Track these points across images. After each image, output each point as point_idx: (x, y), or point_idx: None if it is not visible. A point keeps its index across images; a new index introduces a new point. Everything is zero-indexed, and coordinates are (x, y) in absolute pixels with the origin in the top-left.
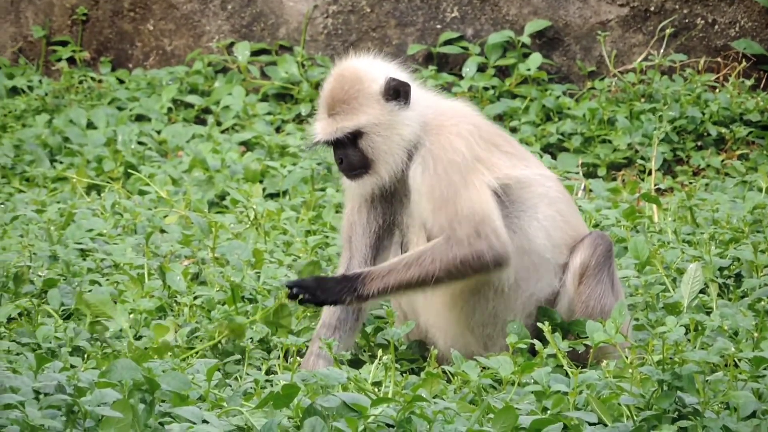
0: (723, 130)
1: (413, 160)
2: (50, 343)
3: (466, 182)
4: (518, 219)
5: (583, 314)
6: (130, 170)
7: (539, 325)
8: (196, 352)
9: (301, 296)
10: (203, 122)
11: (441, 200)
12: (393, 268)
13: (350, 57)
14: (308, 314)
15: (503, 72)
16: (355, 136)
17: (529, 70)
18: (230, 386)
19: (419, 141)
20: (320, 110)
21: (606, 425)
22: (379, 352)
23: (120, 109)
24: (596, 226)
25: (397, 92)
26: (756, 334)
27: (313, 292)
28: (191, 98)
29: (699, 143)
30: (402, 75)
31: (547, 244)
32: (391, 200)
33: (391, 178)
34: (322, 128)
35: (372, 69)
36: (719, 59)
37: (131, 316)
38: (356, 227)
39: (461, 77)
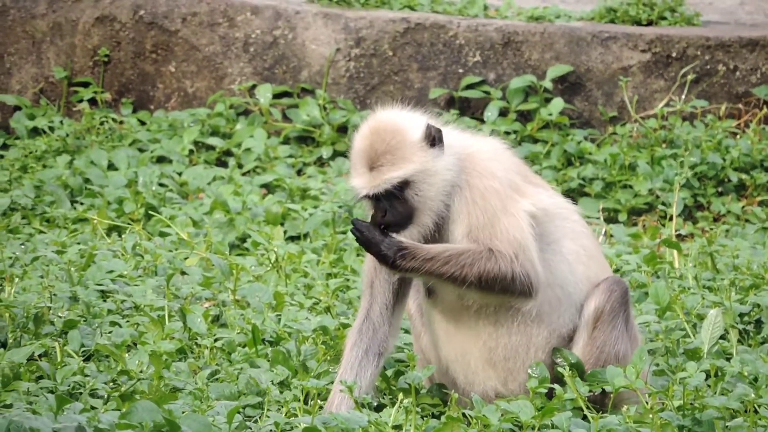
0: (743, 176)
1: (452, 198)
2: (68, 386)
3: (504, 208)
4: (543, 252)
5: (598, 359)
6: (150, 212)
7: (558, 369)
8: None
9: (356, 234)
10: (224, 164)
11: (478, 226)
12: (435, 255)
13: (376, 111)
14: (329, 357)
15: (525, 116)
16: (402, 187)
17: (550, 114)
18: (250, 429)
19: (457, 179)
20: (358, 165)
21: None
22: (400, 396)
23: (141, 150)
24: (617, 271)
25: (434, 138)
26: None
27: (364, 234)
28: (212, 140)
29: (720, 189)
30: (431, 119)
31: (570, 278)
32: (429, 234)
33: (435, 224)
34: (366, 182)
35: (406, 118)
36: (740, 105)
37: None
38: (379, 273)
39: (483, 121)
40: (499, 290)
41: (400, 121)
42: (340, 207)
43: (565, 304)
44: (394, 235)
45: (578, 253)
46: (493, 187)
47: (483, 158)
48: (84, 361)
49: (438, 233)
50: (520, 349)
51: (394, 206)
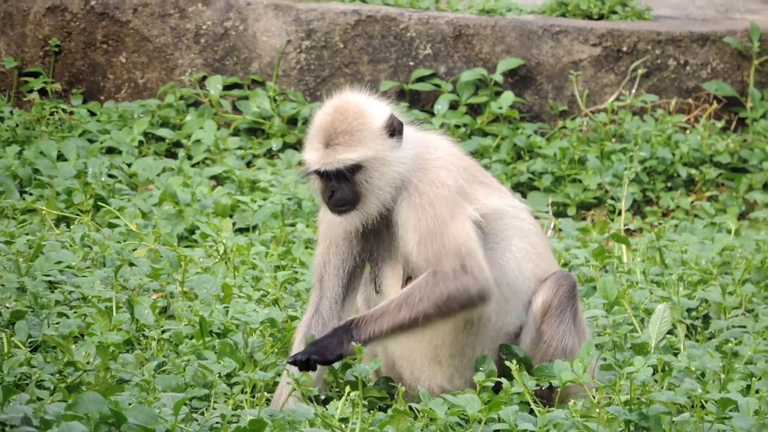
0: (693, 171)
1: (400, 195)
2: (15, 377)
3: (452, 215)
4: (492, 251)
5: (545, 354)
6: (100, 203)
7: (506, 363)
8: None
9: (309, 362)
10: (174, 156)
11: (427, 233)
12: (384, 310)
13: (345, 91)
14: (276, 349)
15: (475, 110)
16: (353, 170)
17: (500, 108)
18: (197, 421)
19: (408, 177)
20: (315, 140)
21: None
22: (347, 389)
23: (91, 141)
24: (565, 265)
25: (394, 129)
26: (723, 376)
27: (316, 355)
28: (162, 131)
29: (669, 184)
30: (395, 111)
31: (519, 276)
32: (368, 237)
33: (377, 214)
34: (319, 158)
35: (372, 104)
36: (690, 100)
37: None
38: (329, 267)
39: (433, 114)
40: (459, 309)
41: (365, 105)
42: (289, 199)
43: (513, 301)
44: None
45: (526, 251)
46: (441, 195)
47: (435, 165)
48: (31, 352)
49: (385, 227)
50: (466, 347)
51: (342, 187)
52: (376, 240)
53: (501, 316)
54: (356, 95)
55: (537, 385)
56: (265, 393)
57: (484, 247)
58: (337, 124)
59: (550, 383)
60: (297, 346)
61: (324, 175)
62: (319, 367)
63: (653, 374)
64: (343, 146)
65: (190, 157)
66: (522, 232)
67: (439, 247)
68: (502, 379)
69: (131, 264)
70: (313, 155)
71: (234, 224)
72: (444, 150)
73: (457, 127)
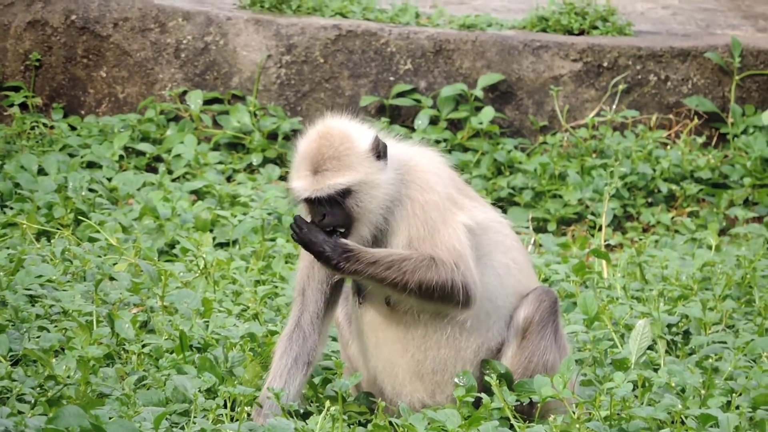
0: (674, 187)
1: (392, 213)
2: None
3: (444, 220)
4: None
5: (526, 369)
6: (80, 217)
7: (486, 378)
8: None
9: (296, 232)
10: (154, 170)
11: (418, 237)
12: (378, 259)
13: (325, 118)
14: (257, 364)
15: (455, 125)
16: (344, 194)
17: (481, 123)
18: None
19: (398, 193)
20: (302, 168)
21: None
22: (327, 403)
23: (71, 155)
24: (545, 280)
25: (380, 151)
26: (703, 392)
27: (304, 232)
28: (143, 146)
29: (649, 200)
30: (377, 131)
31: (501, 291)
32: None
33: (372, 237)
34: (309, 185)
35: (355, 128)
36: (671, 116)
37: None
38: (312, 281)
39: (413, 129)
40: (438, 299)
41: (349, 130)
42: (269, 214)
43: (494, 317)
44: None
45: (508, 267)
46: (432, 200)
47: (423, 171)
48: (11, 365)
49: (372, 239)
50: (448, 362)
51: (333, 213)
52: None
53: (482, 332)
54: (338, 120)
55: (517, 400)
56: (245, 408)
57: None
58: (323, 150)
59: (531, 399)
60: (277, 361)
61: (315, 202)
62: (297, 382)
63: (633, 390)
64: (332, 171)
65: (170, 172)
66: (504, 248)
67: (431, 246)
68: (482, 395)
69: (111, 278)
70: (302, 183)
71: (214, 239)
72: (430, 159)
73: (438, 142)
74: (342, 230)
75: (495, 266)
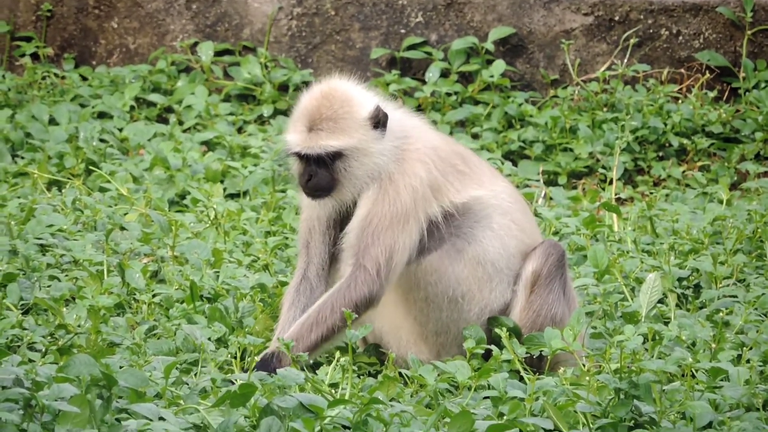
0: (685, 141)
1: (373, 183)
2: (6, 338)
3: (406, 218)
4: (472, 229)
5: (534, 323)
6: (91, 167)
7: (496, 330)
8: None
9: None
10: (165, 121)
11: (373, 222)
12: (299, 335)
13: (334, 77)
14: (267, 314)
15: (466, 78)
16: (334, 157)
17: (492, 76)
18: (187, 384)
19: (385, 168)
20: (299, 123)
21: None
22: (337, 354)
23: (82, 106)
24: (556, 234)
25: (379, 120)
26: (713, 345)
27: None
28: (154, 97)
29: (660, 154)
30: (380, 101)
31: (503, 253)
32: (342, 209)
33: (351, 202)
34: (301, 141)
35: (359, 93)
36: (683, 70)
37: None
38: (315, 233)
39: (424, 82)
40: (363, 312)
41: (352, 94)
42: (279, 165)
43: (496, 279)
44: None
45: (509, 228)
46: (412, 185)
47: (412, 157)
48: (22, 314)
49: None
50: (451, 324)
51: (320, 172)
52: (338, 218)
53: (485, 294)
54: (345, 83)
55: (527, 352)
56: (255, 358)
57: (455, 225)
58: (323, 110)
59: (540, 352)
60: (285, 313)
61: (304, 158)
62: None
63: (643, 343)
64: (327, 132)
65: (181, 123)
66: (502, 210)
67: (373, 241)
68: (492, 347)
69: (122, 228)
70: (296, 137)
71: (225, 190)
72: (424, 141)
73: (448, 95)
74: (323, 193)
75: (495, 228)
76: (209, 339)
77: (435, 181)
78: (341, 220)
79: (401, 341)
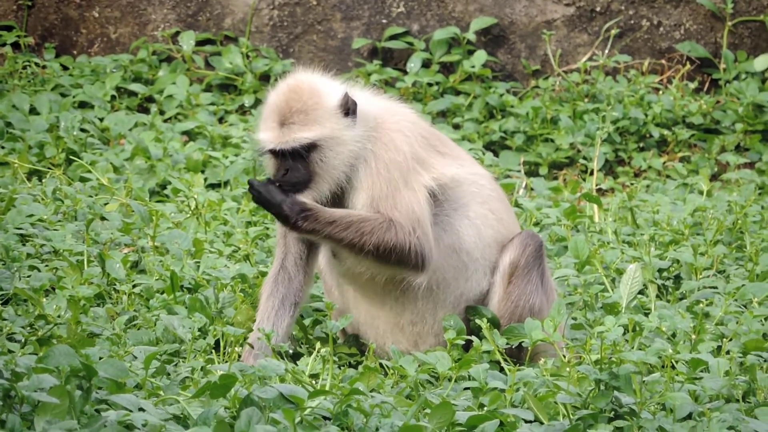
0: (665, 132)
1: (356, 171)
2: None
3: (406, 182)
4: (449, 217)
5: (513, 313)
6: (71, 157)
7: (477, 321)
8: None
9: (254, 191)
10: (146, 111)
11: (379, 196)
12: (337, 219)
13: (298, 70)
14: (246, 305)
15: (448, 68)
16: (309, 149)
17: (473, 67)
18: (168, 375)
19: (363, 150)
20: (269, 120)
21: (542, 423)
22: (317, 345)
23: (63, 95)
24: (537, 224)
25: (348, 108)
26: (693, 336)
27: (262, 194)
28: (135, 86)
29: (641, 144)
30: (347, 88)
31: (478, 242)
32: (327, 202)
33: (331, 192)
34: (275, 137)
35: (326, 83)
36: (663, 61)
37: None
38: None
39: (405, 72)
40: (394, 261)
41: (319, 85)
42: (261, 155)
43: (472, 268)
44: (295, 195)
45: (486, 217)
46: (396, 159)
47: (390, 129)
48: (2, 304)
49: (338, 204)
50: (427, 314)
51: (296, 167)
52: (333, 205)
53: (460, 282)
54: (310, 75)
55: (507, 343)
56: (236, 348)
57: (435, 212)
58: (292, 104)
59: (521, 342)
60: (264, 303)
61: (279, 154)
62: (285, 323)
63: (624, 334)
64: (299, 125)
65: (162, 113)
66: (481, 198)
67: (392, 207)
68: (473, 337)
69: (102, 218)
70: (268, 134)
71: (205, 180)
72: (401, 116)
73: (430, 85)
74: (301, 188)
75: (471, 217)
76: (190, 330)
77: (417, 154)
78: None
79: (378, 331)
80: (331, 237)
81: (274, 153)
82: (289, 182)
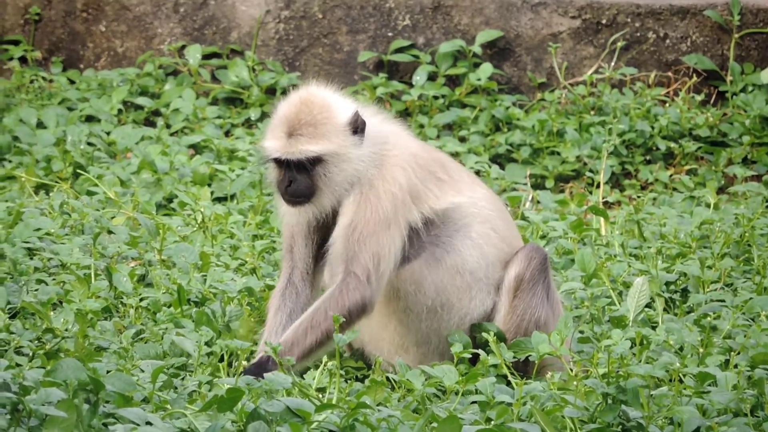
0: (672, 144)
1: (353, 189)
2: None
3: (388, 223)
4: (451, 238)
5: (519, 327)
6: (78, 170)
7: (484, 335)
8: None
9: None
10: (153, 124)
11: (358, 228)
12: (294, 340)
13: (310, 83)
14: (253, 318)
15: (453, 81)
16: (314, 162)
17: (479, 80)
18: (175, 388)
19: (364, 174)
20: (278, 129)
21: None
22: (324, 359)
23: (70, 109)
24: (543, 237)
25: (357, 127)
26: (701, 350)
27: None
28: (141, 100)
29: (648, 157)
30: (358, 108)
31: (482, 262)
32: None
33: (330, 209)
34: (281, 147)
35: (337, 99)
36: (670, 74)
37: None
38: (298, 238)
39: (411, 85)
40: (357, 319)
41: (330, 100)
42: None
43: (475, 288)
44: None
45: (489, 236)
46: (391, 192)
47: (391, 163)
48: (10, 318)
49: (333, 221)
50: (431, 334)
51: (300, 179)
52: (324, 226)
53: (464, 303)
54: (322, 89)
55: (514, 357)
56: (243, 362)
57: (434, 234)
58: (301, 116)
59: (528, 356)
60: (272, 318)
61: (284, 164)
62: None
63: (631, 347)
64: (306, 137)
65: (168, 126)
66: (482, 218)
67: (360, 248)
68: (480, 351)
69: (110, 232)
70: (275, 143)
71: (212, 193)
72: (403, 148)
73: (436, 98)
74: (303, 200)
75: (473, 237)
76: (197, 344)
77: (414, 188)
78: (323, 224)
79: (383, 353)
80: (311, 350)
81: (279, 162)
82: (293, 194)
